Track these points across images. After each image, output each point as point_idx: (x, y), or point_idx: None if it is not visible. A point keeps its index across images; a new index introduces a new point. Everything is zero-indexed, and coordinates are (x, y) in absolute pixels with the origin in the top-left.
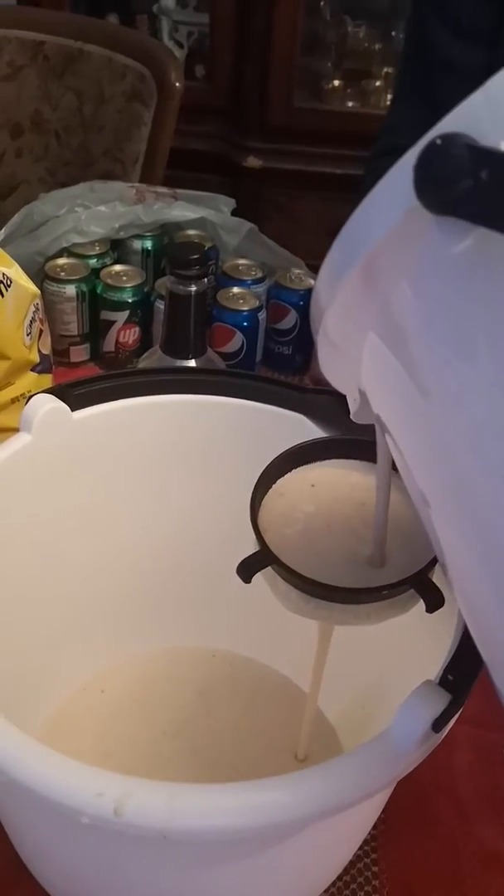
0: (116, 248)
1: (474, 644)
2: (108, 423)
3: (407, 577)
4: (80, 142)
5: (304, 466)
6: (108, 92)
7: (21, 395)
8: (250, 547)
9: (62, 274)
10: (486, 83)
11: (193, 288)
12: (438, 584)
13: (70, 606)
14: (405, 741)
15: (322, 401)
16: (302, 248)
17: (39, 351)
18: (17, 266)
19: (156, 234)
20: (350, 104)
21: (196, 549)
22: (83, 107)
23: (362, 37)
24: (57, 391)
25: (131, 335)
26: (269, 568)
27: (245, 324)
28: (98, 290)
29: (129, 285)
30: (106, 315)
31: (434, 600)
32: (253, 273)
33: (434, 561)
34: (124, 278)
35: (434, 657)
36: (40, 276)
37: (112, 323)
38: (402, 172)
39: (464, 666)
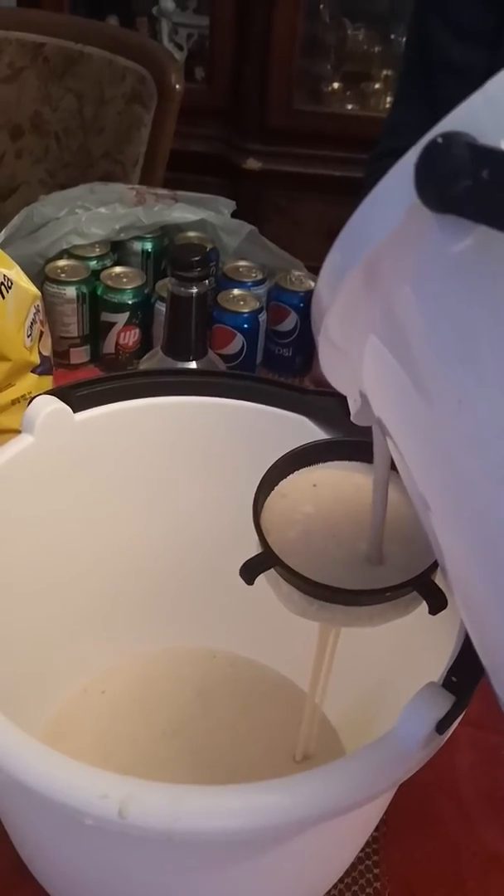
0: (117, 249)
1: None
2: (110, 424)
3: (410, 579)
4: (80, 143)
5: (307, 468)
6: (108, 94)
7: (21, 396)
8: (252, 548)
9: (62, 275)
10: (486, 83)
11: (195, 290)
12: (441, 586)
13: (72, 607)
14: (409, 743)
15: (324, 402)
16: (302, 250)
17: (40, 352)
18: (17, 268)
19: (156, 235)
20: (349, 106)
21: (198, 550)
22: (83, 108)
23: (361, 39)
24: (59, 393)
25: (131, 337)
26: (272, 570)
27: (245, 325)
28: (98, 292)
29: (129, 287)
30: (106, 317)
31: (437, 602)
32: (253, 275)
33: (437, 563)
34: (124, 280)
35: (436, 659)
36: (40, 277)
37: (112, 324)
38: (403, 171)
39: (467, 668)
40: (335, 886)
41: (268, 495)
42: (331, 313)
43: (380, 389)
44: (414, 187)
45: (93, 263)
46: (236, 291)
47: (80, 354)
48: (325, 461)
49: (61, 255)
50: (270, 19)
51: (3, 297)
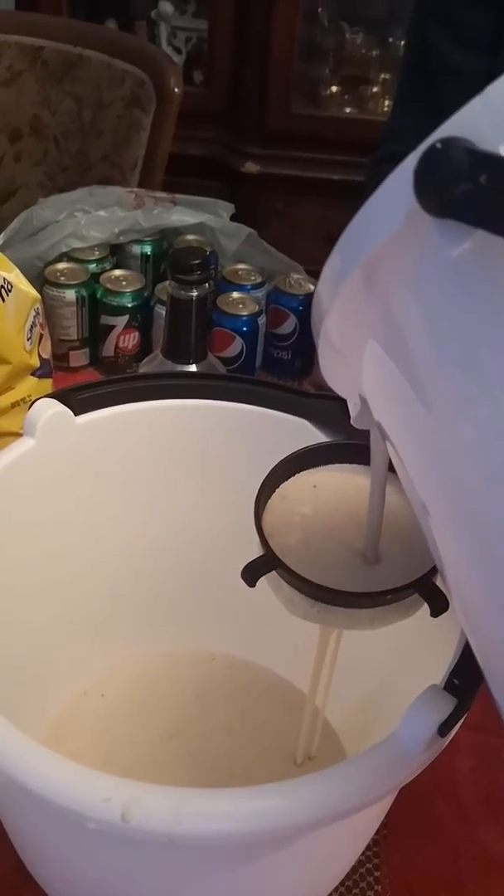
0: (116, 252)
1: None
2: (111, 427)
3: (411, 581)
4: (79, 147)
5: (308, 471)
6: (106, 97)
7: (21, 399)
8: (252, 551)
9: (62, 278)
10: (485, 89)
11: (195, 293)
12: (442, 589)
13: (72, 609)
14: (411, 745)
15: (324, 405)
16: (300, 254)
17: (40, 355)
18: (17, 271)
19: (155, 238)
20: (348, 110)
21: (197, 552)
22: (82, 112)
23: (360, 43)
24: (60, 396)
25: (131, 340)
26: (274, 572)
27: (244, 329)
28: (98, 295)
29: (128, 290)
30: (105, 320)
31: (438, 605)
32: (252, 278)
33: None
34: (124, 283)
35: (437, 661)
36: (40, 280)
37: (111, 328)
38: (402, 176)
39: (469, 670)
40: (336, 889)
41: (269, 498)
42: (331, 316)
43: (379, 393)
44: (413, 192)
45: (92, 266)
46: (235, 295)
47: (79, 357)
48: (326, 464)
49: (61, 258)
50: (269, 23)
51: (3, 300)
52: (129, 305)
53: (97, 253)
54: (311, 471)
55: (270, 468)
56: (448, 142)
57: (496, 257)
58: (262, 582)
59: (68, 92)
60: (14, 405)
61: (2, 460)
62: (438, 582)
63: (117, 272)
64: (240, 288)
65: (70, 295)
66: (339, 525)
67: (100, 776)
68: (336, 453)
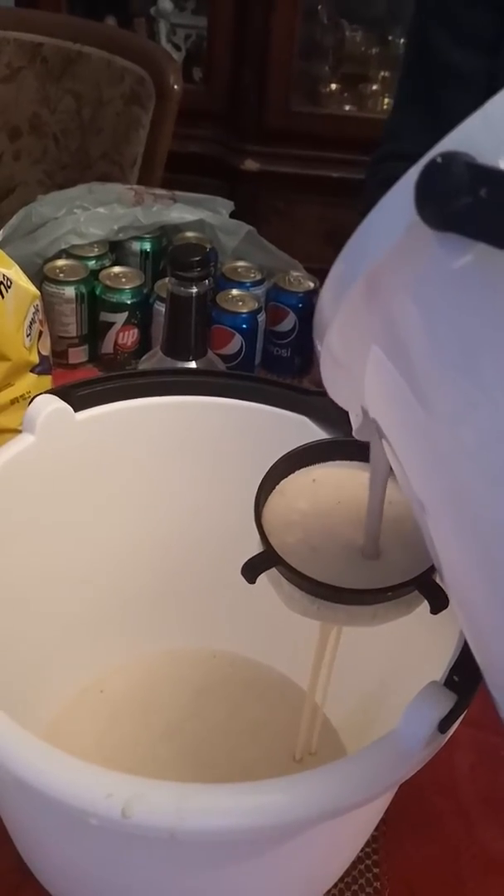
0: (115, 249)
1: None
2: (111, 423)
3: (411, 578)
4: (79, 144)
5: (309, 467)
6: (106, 95)
7: (21, 396)
8: (252, 547)
9: (61, 275)
10: (484, 104)
11: (194, 290)
12: (442, 586)
13: (72, 607)
14: (412, 742)
15: (325, 402)
16: (300, 251)
17: (39, 352)
18: (16, 267)
19: (154, 235)
20: (347, 108)
21: (198, 549)
22: (81, 109)
23: (359, 41)
24: (60, 392)
25: (130, 337)
26: (274, 569)
27: (244, 326)
28: (97, 292)
29: (127, 287)
30: (105, 316)
31: (438, 602)
32: (252, 275)
33: None
34: (123, 280)
35: (437, 658)
36: (39, 277)
37: (111, 324)
38: (403, 189)
39: (469, 667)
40: (335, 885)
41: (269, 495)
42: (333, 326)
43: (380, 399)
44: (414, 205)
45: (91, 263)
46: (235, 292)
47: (78, 354)
48: (326, 461)
49: (60, 254)
50: (269, 20)
51: (3, 296)
52: (129, 302)
53: (96, 250)
54: (311, 467)
55: (270, 465)
56: (448, 156)
57: (497, 269)
58: (263, 579)
59: (68, 89)
60: (13, 402)
61: (1, 457)
62: (438, 579)
63: (117, 269)
64: (239, 285)
65: (69, 291)
66: (340, 521)
67: (102, 772)
68: (336, 450)
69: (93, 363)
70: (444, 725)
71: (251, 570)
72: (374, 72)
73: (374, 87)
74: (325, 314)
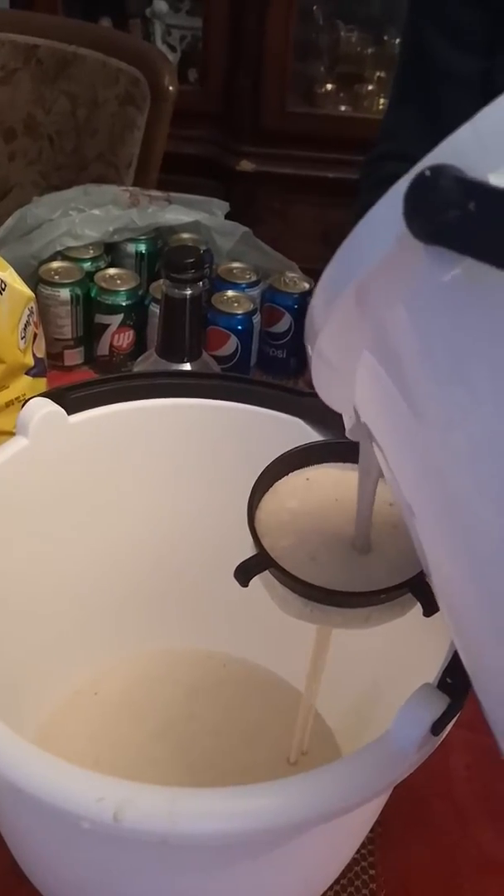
0: (110, 251)
1: None
2: (105, 426)
3: (404, 580)
4: (74, 146)
5: (302, 469)
6: (101, 96)
7: (16, 398)
8: (247, 550)
9: (56, 277)
10: (473, 117)
11: (189, 291)
12: None
13: (66, 610)
14: (405, 744)
15: (319, 404)
16: (295, 252)
17: (34, 354)
18: (11, 269)
19: (150, 237)
20: (343, 108)
21: (192, 551)
22: (77, 111)
23: (354, 41)
24: (53, 395)
25: (125, 339)
26: (267, 572)
27: (239, 327)
28: (92, 294)
29: (123, 289)
30: (100, 318)
31: (431, 604)
32: (247, 276)
33: None
34: (118, 282)
35: (431, 660)
36: (34, 279)
37: (106, 326)
38: (393, 200)
39: (462, 669)
40: (331, 888)
41: (262, 498)
42: (324, 333)
43: (371, 404)
44: (403, 218)
45: (87, 265)
46: (230, 293)
47: (74, 356)
48: (320, 463)
49: (55, 256)
50: (264, 21)
51: None
52: (124, 304)
53: (92, 251)
54: (304, 470)
55: (264, 467)
56: (437, 169)
57: (486, 283)
58: (256, 581)
59: (63, 90)
60: (8, 404)
61: None
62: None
63: (112, 271)
64: (235, 286)
65: (64, 294)
66: (333, 523)
67: (93, 776)
68: (329, 452)
69: (88, 365)
70: (437, 728)
71: (244, 574)
72: (369, 72)
73: (370, 88)
74: (316, 320)
